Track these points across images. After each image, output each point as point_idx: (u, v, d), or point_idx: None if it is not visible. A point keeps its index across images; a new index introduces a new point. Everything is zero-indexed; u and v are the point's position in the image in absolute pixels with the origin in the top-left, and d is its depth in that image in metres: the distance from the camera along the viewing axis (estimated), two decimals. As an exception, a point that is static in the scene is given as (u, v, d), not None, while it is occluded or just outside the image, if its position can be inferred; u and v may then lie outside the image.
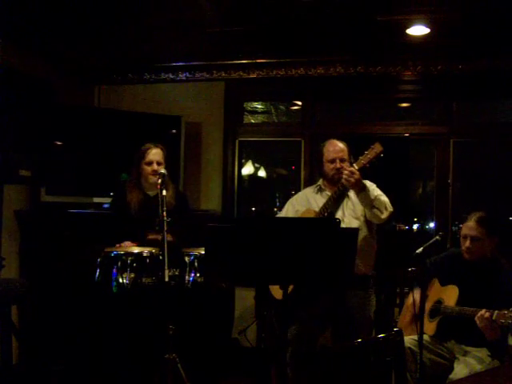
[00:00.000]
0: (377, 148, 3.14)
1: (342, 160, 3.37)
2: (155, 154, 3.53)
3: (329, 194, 3.41)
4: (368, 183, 3.36)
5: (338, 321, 3.35)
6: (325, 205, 3.33)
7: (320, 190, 3.50)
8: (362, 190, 3.17)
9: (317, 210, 3.36)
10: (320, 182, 3.55)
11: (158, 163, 3.50)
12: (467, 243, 3.10)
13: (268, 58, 4.96)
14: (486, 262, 3.12)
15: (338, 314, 3.32)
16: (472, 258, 3.12)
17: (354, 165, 3.17)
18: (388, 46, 4.51)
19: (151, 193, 3.55)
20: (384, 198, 3.30)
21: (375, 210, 3.23)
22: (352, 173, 3.10)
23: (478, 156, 5.14)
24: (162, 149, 3.58)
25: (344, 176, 3.14)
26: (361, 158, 3.18)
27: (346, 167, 3.21)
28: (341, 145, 3.43)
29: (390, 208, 3.29)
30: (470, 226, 3.11)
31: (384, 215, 3.25)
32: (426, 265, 3.04)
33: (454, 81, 4.77)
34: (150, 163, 3.51)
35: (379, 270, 3.62)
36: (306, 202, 3.51)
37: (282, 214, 3.64)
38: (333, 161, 3.38)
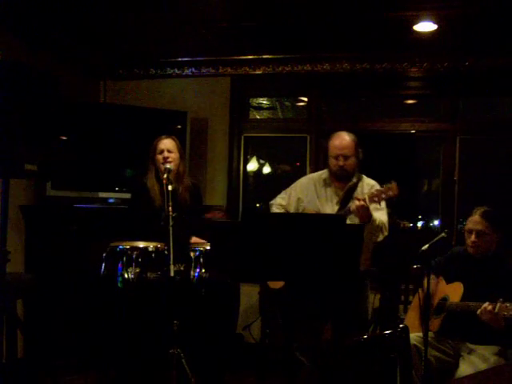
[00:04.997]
0: (393, 191, 3.06)
1: (345, 157, 3.32)
2: (166, 142, 3.59)
3: (334, 189, 3.39)
4: (370, 182, 3.36)
5: (336, 315, 3.32)
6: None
7: (325, 183, 3.45)
8: (367, 222, 3.14)
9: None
10: (326, 174, 3.49)
11: (169, 151, 3.55)
12: (473, 237, 3.09)
13: (274, 54, 4.95)
14: (491, 258, 3.12)
15: (336, 308, 3.28)
16: (477, 253, 3.11)
17: (366, 197, 3.11)
18: (394, 42, 4.49)
19: (171, 186, 3.58)
20: (383, 219, 3.28)
21: (372, 236, 3.25)
22: (363, 208, 3.08)
23: (484, 153, 5.12)
24: (173, 139, 3.65)
25: (353, 207, 3.12)
26: (374, 193, 3.12)
27: (358, 201, 3.10)
28: (347, 139, 3.35)
29: (386, 232, 3.30)
30: (474, 221, 3.10)
31: (379, 239, 3.29)
32: (430, 265, 3.03)
33: (460, 78, 4.75)
34: (161, 152, 3.55)
35: (383, 267, 3.62)
36: (311, 195, 3.46)
37: (285, 198, 3.57)
38: (336, 157, 3.34)
